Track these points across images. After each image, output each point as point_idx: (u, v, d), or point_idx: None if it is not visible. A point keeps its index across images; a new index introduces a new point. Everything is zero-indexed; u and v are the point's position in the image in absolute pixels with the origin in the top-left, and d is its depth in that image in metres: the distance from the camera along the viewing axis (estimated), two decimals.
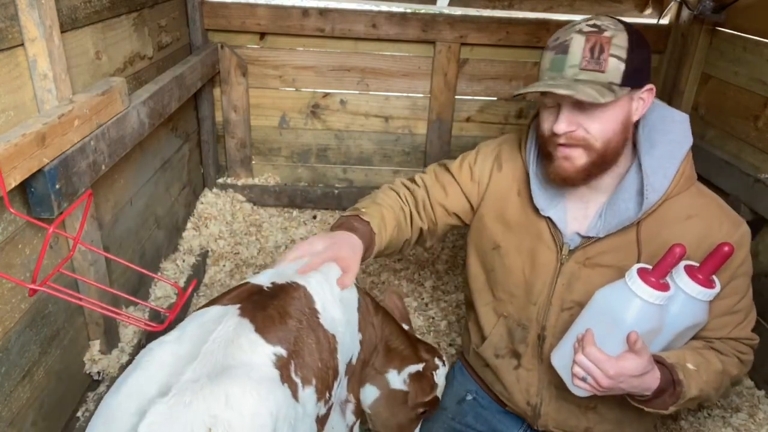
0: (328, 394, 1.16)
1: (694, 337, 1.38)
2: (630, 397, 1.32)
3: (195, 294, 2.60)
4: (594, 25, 1.27)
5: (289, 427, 0.97)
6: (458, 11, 3.13)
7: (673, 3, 2.98)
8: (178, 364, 0.95)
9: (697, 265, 1.26)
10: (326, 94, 3.19)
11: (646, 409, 1.32)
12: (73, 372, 1.71)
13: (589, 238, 1.42)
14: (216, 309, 1.10)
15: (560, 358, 1.36)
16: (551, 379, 1.53)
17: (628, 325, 1.19)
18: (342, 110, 3.23)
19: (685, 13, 2.87)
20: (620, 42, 1.25)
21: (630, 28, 1.29)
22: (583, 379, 1.23)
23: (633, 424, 1.55)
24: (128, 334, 1.94)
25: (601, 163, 1.34)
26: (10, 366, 1.38)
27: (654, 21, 3.11)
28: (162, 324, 1.26)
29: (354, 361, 1.39)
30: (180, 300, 1.32)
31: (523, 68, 3.16)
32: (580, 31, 1.27)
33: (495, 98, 3.23)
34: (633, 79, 1.27)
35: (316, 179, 3.41)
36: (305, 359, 1.10)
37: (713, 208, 1.39)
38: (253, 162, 3.33)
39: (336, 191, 3.30)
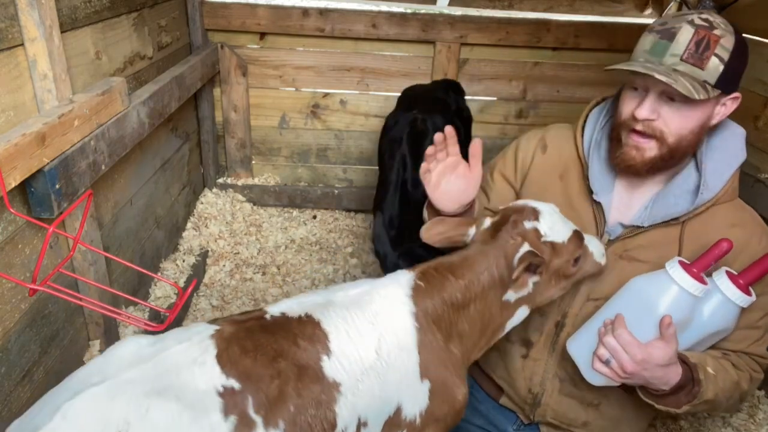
0: None
1: (712, 347, 1.39)
2: (644, 390, 1.31)
3: (195, 294, 2.60)
4: (706, 20, 1.26)
5: None
6: (458, 11, 3.12)
7: (673, 3, 2.98)
8: (130, 362, 0.96)
9: (736, 272, 1.28)
10: (326, 94, 3.19)
11: (657, 406, 1.31)
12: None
13: (632, 228, 1.42)
14: (202, 325, 1.07)
15: (578, 345, 1.36)
16: (557, 372, 1.53)
17: (661, 313, 1.20)
18: (342, 110, 3.23)
19: None
20: (727, 44, 1.25)
21: (739, 34, 1.27)
22: (606, 362, 1.22)
23: (630, 422, 1.55)
24: (128, 334, 1.94)
25: (669, 158, 1.34)
26: (10, 366, 1.38)
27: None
28: (162, 324, 1.26)
29: (410, 417, 1.18)
30: (180, 300, 1.32)
31: (523, 68, 3.16)
32: (691, 22, 1.25)
33: (495, 98, 3.24)
34: (727, 83, 1.27)
35: (316, 179, 3.41)
36: (275, 400, 1.02)
37: (755, 222, 1.42)
38: (253, 162, 3.33)
39: (336, 191, 3.29)
